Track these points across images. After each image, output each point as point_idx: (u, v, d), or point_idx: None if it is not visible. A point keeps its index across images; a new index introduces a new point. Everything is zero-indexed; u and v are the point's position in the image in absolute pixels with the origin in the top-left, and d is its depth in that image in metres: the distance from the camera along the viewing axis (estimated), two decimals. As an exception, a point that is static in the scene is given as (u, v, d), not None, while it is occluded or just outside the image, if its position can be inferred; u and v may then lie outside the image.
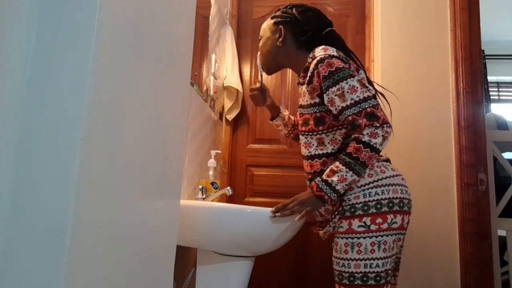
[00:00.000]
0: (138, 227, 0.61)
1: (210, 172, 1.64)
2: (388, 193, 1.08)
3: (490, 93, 3.83)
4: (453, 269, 1.69)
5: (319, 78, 1.11)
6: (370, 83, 1.22)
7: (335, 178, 1.05)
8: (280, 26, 1.27)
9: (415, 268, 1.71)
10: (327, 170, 1.08)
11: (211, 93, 1.80)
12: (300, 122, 1.23)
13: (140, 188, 0.61)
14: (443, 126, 1.81)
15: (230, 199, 2.09)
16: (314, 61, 1.13)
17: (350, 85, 1.07)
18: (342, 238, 1.08)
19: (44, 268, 0.43)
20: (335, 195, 1.05)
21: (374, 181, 1.09)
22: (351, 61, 1.17)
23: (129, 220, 0.57)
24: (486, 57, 3.09)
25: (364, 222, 1.06)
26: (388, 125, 1.05)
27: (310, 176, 1.21)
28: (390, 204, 1.07)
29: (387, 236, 1.06)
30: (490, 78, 4.00)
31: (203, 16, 1.70)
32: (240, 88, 2.06)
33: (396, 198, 1.08)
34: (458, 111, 1.78)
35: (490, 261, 1.65)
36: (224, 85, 2.04)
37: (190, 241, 1.16)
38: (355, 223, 1.06)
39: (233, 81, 2.02)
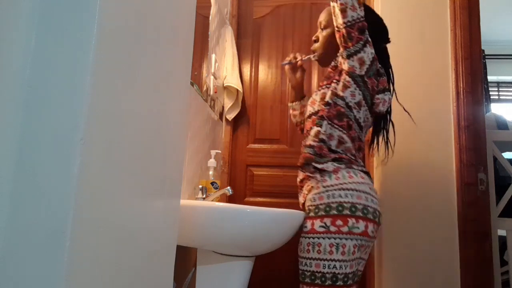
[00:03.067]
0: (138, 227, 0.61)
1: (210, 172, 1.64)
2: (351, 197, 1.09)
3: (490, 93, 3.82)
4: (453, 269, 1.69)
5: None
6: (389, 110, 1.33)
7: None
8: None
9: (415, 268, 1.71)
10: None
11: (211, 93, 1.80)
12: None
13: (140, 188, 0.61)
14: (443, 126, 1.81)
15: (230, 199, 2.09)
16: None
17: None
18: (305, 238, 1.11)
19: (44, 268, 0.43)
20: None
21: (339, 183, 1.11)
22: (383, 79, 1.24)
23: (129, 220, 0.57)
24: (486, 57, 3.09)
25: (325, 223, 1.08)
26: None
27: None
28: (353, 209, 1.07)
29: (346, 239, 1.06)
30: (490, 78, 4.00)
31: (203, 16, 1.70)
32: (240, 88, 2.06)
33: (360, 204, 1.08)
34: (458, 111, 1.78)
35: (490, 261, 1.65)
36: (224, 85, 2.04)
37: (190, 241, 1.16)
38: (317, 224, 1.09)
39: (233, 81, 2.02)
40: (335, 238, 1.06)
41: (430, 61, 1.87)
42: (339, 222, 1.06)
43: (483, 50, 2.19)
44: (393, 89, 1.30)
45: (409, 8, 1.94)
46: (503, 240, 1.78)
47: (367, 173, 1.20)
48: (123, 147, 0.55)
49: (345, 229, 1.06)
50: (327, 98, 1.19)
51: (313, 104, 1.25)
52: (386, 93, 1.23)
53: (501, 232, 1.77)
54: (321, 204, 1.10)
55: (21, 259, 0.44)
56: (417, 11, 1.92)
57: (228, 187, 1.45)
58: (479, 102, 1.76)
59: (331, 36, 1.29)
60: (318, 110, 1.21)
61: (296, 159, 1.31)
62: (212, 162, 1.65)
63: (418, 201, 1.75)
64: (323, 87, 1.24)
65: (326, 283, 1.04)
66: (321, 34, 1.34)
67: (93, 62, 0.47)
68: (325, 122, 1.17)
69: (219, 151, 1.80)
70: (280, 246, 1.21)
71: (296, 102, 1.48)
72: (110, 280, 0.53)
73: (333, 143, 1.16)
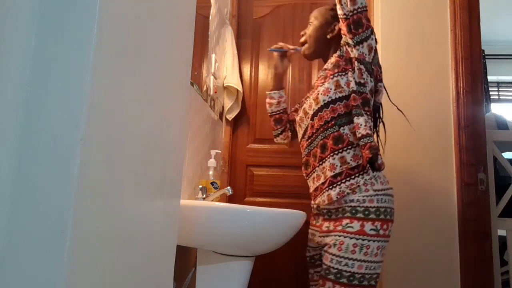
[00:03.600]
0: (138, 227, 0.61)
1: (210, 172, 1.64)
2: (389, 203, 1.16)
3: (490, 93, 3.82)
4: (453, 269, 1.69)
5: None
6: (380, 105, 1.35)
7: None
8: (336, 23, 1.33)
9: (415, 268, 1.71)
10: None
11: (211, 93, 1.80)
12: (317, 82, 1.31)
13: (140, 188, 0.61)
14: (443, 126, 1.81)
15: (230, 199, 2.09)
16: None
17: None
18: (351, 238, 1.10)
19: (44, 268, 0.43)
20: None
21: (385, 188, 1.16)
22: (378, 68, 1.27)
23: (129, 220, 0.57)
24: (486, 57, 3.09)
25: (376, 226, 1.10)
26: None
27: (333, 123, 1.21)
28: (391, 213, 1.15)
29: (386, 242, 1.13)
30: (490, 78, 4.00)
31: (203, 16, 1.70)
32: (240, 88, 2.06)
33: (393, 208, 1.17)
34: (458, 110, 1.78)
35: (490, 261, 1.65)
36: (224, 85, 2.04)
37: (190, 241, 1.16)
38: (368, 226, 1.10)
39: (233, 81, 2.02)
40: (381, 241, 1.10)
41: (430, 61, 1.87)
42: (385, 226, 1.12)
43: (483, 50, 2.19)
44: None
45: (409, 8, 1.94)
46: (503, 240, 1.78)
47: None
48: (123, 147, 0.55)
49: (387, 232, 1.13)
50: (352, 86, 1.19)
51: (327, 92, 1.21)
52: (381, 83, 1.27)
53: (501, 232, 1.77)
54: (371, 207, 1.12)
55: (21, 259, 0.44)
56: (417, 11, 1.92)
57: (228, 187, 1.45)
58: (479, 102, 1.76)
59: (321, 28, 1.34)
60: (341, 97, 1.20)
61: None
62: (212, 162, 1.65)
63: (418, 201, 1.75)
64: (335, 75, 1.22)
65: (363, 283, 1.07)
66: (311, 28, 1.37)
67: (93, 62, 0.47)
68: (362, 114, 1.18)
69: (219, 151, 1.80)
70: (280, 246, 1.20)
71: (275, 91, 1.49)
72: (110, 280, 0.53)
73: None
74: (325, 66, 1.32)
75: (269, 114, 1.53)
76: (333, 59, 1.28)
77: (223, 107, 2.12)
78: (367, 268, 1.08)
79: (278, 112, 1.50)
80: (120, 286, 0.55)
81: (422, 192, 1.77)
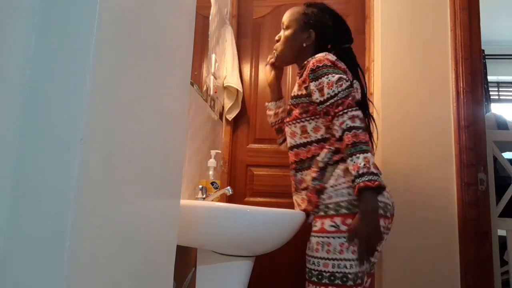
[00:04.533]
0: (138, 227, 0.61)
1: (210, 172, 1.64)
2: (354, 195, 1.09)
3: (490, 93, 3.82)
4: (453, 269, 1.69)
5: (307, 71, 1.19)
6: (365, 102, 1.29)
7: (361, 166, 1.03)
8: (311, 30, 1.31)
9: (415, 268, 1.71)
10: (352, 170, 1.05)
11: (211, 93, 1.80)
12: (285, 115, 1.30)
13: (140, 188, 0.61)
14: (443, 126, 1.81)
15: (230, 199, 2.09)
16: (311, 60, 1.21)
17: (329, 80, 1.13)
18: (314, 237, 1.12)
19: (44, 268, 0.43)
20: (379, 177, 1.04)
21: (347, 181, 1.11)
22: (348, 72, 1.23)
23: (129, 220, 0.57)
24: (486, 57, 3.09)
25: (335, 222, 1.08)
26: (354, 108, 1.10)
27: (294, 166, 1.25)
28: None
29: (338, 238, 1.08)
30: (490, 78, 4.00)
31: (203, 16, 1.70)
32: (240, 88, 2.06)
33: (381, 202, 1.08)
34: (458, 110, 1.78)
35: (490, 261, 1.65)
36: (224, 85, 2.04)
37: (190, 241, 1.16)
38: (327, 223, 1.09)
39: (233, 81, 2.02)
40: (345, 237, 1.06)
41: (430, 61, 1.87)
42: (349, 220, 1.07)
43: (483, 50, 2.19)
44: (365, 84, 1.33)
45: (409, 8, 1.93)
46: (503, 240, 1.78)
47: None
48: (123, 147, 0.55)
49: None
50: (323, 132, 1.20)
51: (293, 136, 1.25)
52: (354, 81, 1.24)
53: (501, 232, 1.76)
54: (330, 203, 1.11)
55: (21, 259, 0.44)
56: (417, 11, 1.92)
57: (228, 187, 1.45)
58: (479, 102, 1.76)
59: (291, 37, 1.33)
60: (305, 143, 1.22)
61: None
62: (212, 162, 1.65)
63: (418, 201, 1.75)
64: (302, 120, 1.22)
65: (335, 282, 1.06)
66: (283, 34, 1.36)
67: (93, 62, 0.47)
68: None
69: (219, 151, 1.80)
70: (280, 246, 1.21)
71: (272, 103, 1.49)
72: (110, 280, 0.53)
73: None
74: (298, 74, 1.30)
75: (271, 125, 1.54)
76: (296, 86, 1.25)
77: (223, 107, 2.12)
78: (335, 266, 1.05)
79: (277, 123, 1.50)
80: (120, 286, 0.55)
81: (422, 192, 1.77)
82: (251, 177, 2.18)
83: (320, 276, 1.07)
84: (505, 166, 1.80)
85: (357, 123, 1.08)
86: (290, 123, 1.25)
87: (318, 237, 1.10)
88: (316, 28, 1.31)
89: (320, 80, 1.15)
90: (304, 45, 1.31)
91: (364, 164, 1.03)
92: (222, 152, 2.15)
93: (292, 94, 1.26)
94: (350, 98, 1.11)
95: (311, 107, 1.20)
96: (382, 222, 1.08)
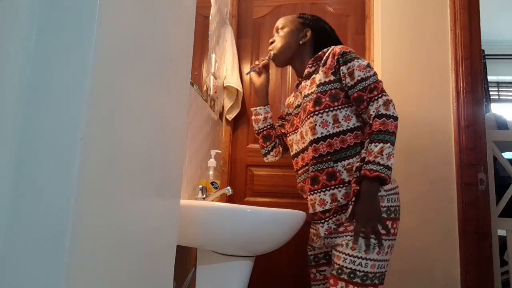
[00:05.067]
0: (138, 227, 0.61)
1: (210, 172, 1.64)
2: (398, 201, 1.16)
3: (490, 93, 3.82)
4: (453, 269, 1.69)
5: (334, 57, 1.20)
6: None
7: (384, 156, 1.06)
8: (308, 29, 1.34)
9: (415, 267, 1.71)
10: (368, 154, 1.08)
11: (211, 93, 1.80)
12: (309, 104, 1.23)
13: (140, 188, 0.61)
14: (443, 126, 1.81)
15: (230, 199, 2.09)
16: (330, 49, 1.24)
17: (360, 64, 1.16)
18: (362, 237, 1.08)
19: (44, 268, 0.43)
20: (390, 172, 1.07)
21: (393, 188, 1.16)
22: None
23: (129, 220, 0.57)
24: (486, 57, 3.09)
25: (387, 226, 1.10)
26: (386, 93, 1.13)
27: (327, 158, 1.17)
28: (399, 211, 1.15)
29: (395, 240, 1.13)
30: (490, 78, 4.00)
31: (203, 16, 1.70)
32: (240, 88, 2.06)
33: (399, 206, 1.16)
34: (458, 110, 1.78)
35: (490, 261, 1.65)
36: (224, 85, 2.04)
37: (190, 241, 1.16)
38: (379, 226, 1.09)
39: (233, 81, 2.02)
40: (391, 240, 1.10)
41: (430, 61, 1.87)
42: (394, 225, 1.12)
43: (483, 50, 2.19)
44: None
45: (409, 8, 1.94)
46: (503, 240, 1.78)
47: None
48: (123, 147, 0.55)
49: (396, 231, 1.12)
50: (354, 120, 1.20)
51: (326, 126, 1.19)
52: None
53: (501, 232, 1.76)
54: (383, 207, 1.11)
55: (21, 259, 0.44)
56: (417, 11, 1.92)
57: (228, 187, 1.45)
58: (479, 102, 1.76)
59: (288, 35, 1.34)
60: (338, 132, 1.18)
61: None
62: (212, 162, 1.65)
63: (418, 201, 1.75)
64: (335, 108, 1.19)
65: (374, 282, 1.07)
66: (278, 35, 1.37)
67: (93, 62, 0.47)
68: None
69: (219, 151, 1.80)
70: (280, 246, 1.20)
71: (260, 107, 1.46)
72: (110, 280, 0.53)
73: None
74: (306, 72, 1.29)
75: (256, 132, 1.48)
76: (321, 74, 1.23)
77: (223, 107, 2.12)
78: (379, 267, 1.08)
79: (265, 128, 1.46)
80: (120, 286, 0.55)
81: (422, 192, 1.77)
82: (251, 177, 2.18)
83: (365, 277, 1.06)
84: (505, 166, 1.80)
85: (391, 110, 1.10)
86: (321, 111, 1.19)
87: (368, 239, 1.08)
88: (312, 27, 1.34)
89: (350, 64, 1.16)
90: (301, 42, 1.33)
91: (377, 153, 1.06)
92: (222, 152, 2.15)
93: (318, 82, 1.22)
94: (382, 83, 1.14)
95: (342, 95, 1.19)
96: (394, 225, 1.13)
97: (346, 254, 1.09)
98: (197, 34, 1.52)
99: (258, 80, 1.47)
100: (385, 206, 1.11)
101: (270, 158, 1.50)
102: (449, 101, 1.82)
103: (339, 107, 1.19)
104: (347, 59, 1.17)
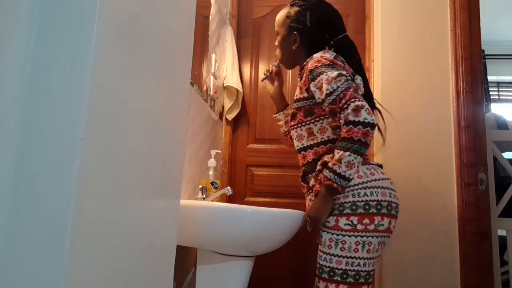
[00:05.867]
0: (138, 227, 0.61)
1: (210, 172, 1.64)
2: (377, 195, 1.09)
3: (490, 93, 3.82)
4: (453, 269, 1.69)
5: (307, 73, 1.18)
6: (369, 94, 1.30)
7: (342, 165, 1.04)
8: (295, 33, 1.31)
9: (415, 267, 1.71)
10: (332, 160, 1.07)
11: (211, 93, 1.80)
12: (289, 118, 1.28)
13: (140, 188, 0.61)
14: (443, 126, 1.81)
15: (230, 199, 2.09)
16: (309, 60, 1.20)
17: (328, 77, 1.10)
18: (327, 233, 1.09)
19: (44, 268, 0.43)
20: (344, 181, 1.05)
21: (363, 182, 1.10)
22: (347, 66, 1.22)
23: (129, 220, 0.57)
24: (486, 57, 3.09)
25: (351, 221, 1.07)
26: (357, 99, 1.06)
27: (303, 168, 1.24)
28: (379, 206, 1.08)
29: (372, 237, 1.07)
30: (490, 78, 4.00)
31: (203, 16, 1.70)
32: (240, 88, 2.06)
33: (385, 201, 1.09)
34: (458, 110, 1.78)
35: (490, 261, 1.65)
36: (224, 85, 2.04)
37: (190, 241, 1.16)
38: (342, 221, 1.07)
39: (233, 81, 2.02)
40: (361, 236, 1.06)
41: (430, 61, 1.87)
42: (366, 220, 1.06)
43: (483, 50, 2.19)
44: (364, 75, 1.29)
45: (409, 8, 1.94)
46: (503, 240, 1.78)
47: (381, 167, 1.21)
48: (123, 147, 0.55)
49: (371, 227, 1.06)
50: (329, 132, 1.20)
51: (300, 139, 1.24)
52: (356, 76, 1.24)
53: (501, 232, 1.76)
54: (346, 202, 1.08)
55: (21, 259, 0.44)
56: (417, 11, 1.92)
57: (228, 187, 1.45)
58: (479, 102, 1.76)
59: (282, 43, 1.35)
60: (311, 144, 1.21)
61: (296, 159, 1.32)
62: (212, 162, 1.65)
63: (418, 201, 1.75)
64: (307, 122, 1.21)
65: (347, 280, 1.05)
66: (278, 41, 1.38)
67: (93, 62, 0.47)
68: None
69: (219, 151, 1.80)
70: (280, 246, 1.21)
71: (280, 113, 1.50)
72: (110, 280, 0.53)
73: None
74: (299, 76, 1.30)
75: (284, 135, 1.54)
76: (298, 89, 1.24)
77: (223, 107, 2.12)
78: (348, 264, 1.05)
79: (290, 131, 1.48)
80: (120, 286, 0.55)
81: (422, 192, 1.77)
82: (251, 177, 2.18)
83: (332, 273, 1.06)
84: (505, 166, 1.80)
85: (361, 116, 1.03)
86: (296, 126, 1.24)
87: (332, 234, 1.08)
88: (297, 30, 1.30)
89: (318, 79, 1.13)
90: (294, 48, 1.31)
91: (336, 161, 1.05)
92: (222, 152, 2.15)
93: (295, 98, 1.25)
94: (351, 90, 1.07)
95: (316, 109, 1.19)
96: (393, 222, 1.12)
97: (319, 250, 1.12)
98: (197, 34, 1.52)
99: (272, 87, 1.49)
100: (349, 202, 1.08)
101: None
102: (449, 101, 1.82)
103: (312, 120, 1.20)
104: (314, 76, 1.14)
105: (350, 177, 1.05)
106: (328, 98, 1.09)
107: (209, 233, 1.11)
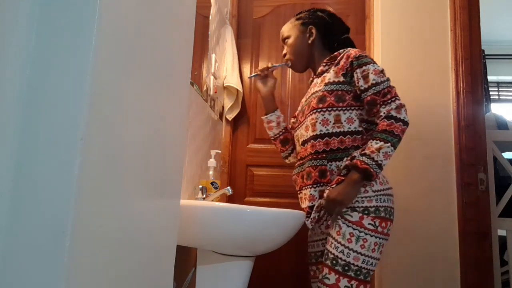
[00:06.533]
0: (138, 227, 0.61)
1: (210, 172, 1.64)
2: (389, 202, 1.17)
3: (490, 93, 3.82)
4: (453, 269, 1.69)
5: (348, 59, 1.20)
6: None
7: (380, 154, 1.08)
8: (311, 26, 1.34)
9: (415, 268, 1.71)
10: (366, 148, 1.10)
11: (211, 93, 1.80)
12: (314, 101, 1.24)
13: (140, 188, 0.61)
14: (443, 126, 1.81)
15: (230, 199, 2.09)
16: (346, 50, 1.24)
17: (375, 68, 1.16)
18: (348, 226, 1.10)
19: (44, 268, 0.43)
20: (379, 170, 1.09)
21: (384, 189, 1.16)
22: None
23: (129, 220, 0.57)
24: (486, 57, 3.09)
25: (374, 222, 1.11)
26: (398, 98, 1.14)
27: (323, 155, 1.19)
28: (390, 212, 1.16)
29: (385, 240, 1.13)
30: (490, 78, 4.00)
31: (203, 16, 1.70)
32: (240, 88, 2.06)
33: (392, 207, 1.17)
34: (458, 110, 1.78)
35: (490, 261, 1.65)
36: (224, 85, 2.04)
37: (190, 241, 1.16)
38: (367, 220, 1.10)
39: (233, 81, 2.02)
40: (380, 238, 1.11)
41: (430, 61, 1.87)
42: (383, 224, 1.12)
43: (483, 50, 2.19)
44: None
45: (409, 8, 1.94)
46: (503, 240, 1.78)
47: None
48: (123, 147, 0.55)
49: (386, 230, 1.13)
50: (356, 124, 1.20)
51: (326, 124, 1.20)
52: None
53: (501, 232, 1.76)
54: (370, 206, 1.12)
55: (21, 259, 0.44)
56: (417, 11, 1.92)
57: (228, 187, 1.45)
58: (479, 102, 1.76)
59: (295, 42, 1.36)
60: (337, 132, 1.19)
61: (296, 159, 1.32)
62: (212, 162, 1.65)
63: (418, 201, 1.75)
64: (338, 108, 1.20)
65: (359, 277, 1.08)
66: (287, 46, 1.39)
67: (93, 62, 0.47)
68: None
69: (219, 151, 1.80)
70: (280, 246, 1.21)
71: (271, 114, 1.47)
72: (110, 280, 0.53)
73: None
74: (319, 70, 1.31)
75: (272, 139, 1.50)
76: (332, 73, 1.24)
77: (223, 107, 2.12)
78: (364, 262, 1.08)
79: (281, 133, 1.47)
80: (120, 286, 0.55)
81: (422, 192, 1.77)
82: (251, 177, 2.18)
83: (347, 267, 1.07)
84: (505, 166, 1.80)
85: (402, 114, 1.11)
86: (324, 109, 1.20)
87: (354, 229, 1.10)
88: (314, 23, 1.35)
89: (365, 67, 1.17)
90: (310, 41, 1.34)
91: (375, 149, 1.08)
92: (222, 152, 2.15)
93: (327, 81, 1.23)
94: (395, 88, 1.15)
95: (348, 96, 1.19)
96: (391, 226, 1.16)
97: (333, 238, 1.12)
98: (197, 34, 1.52)
99: (263, 87, 1.47)
100: (373, 206, 1.12)
101: (291, 160, 1.51)
102: (449, 101, 1.82)
103: (343, 108, 1.19)
104: (362, 62, 1.18)
105: (383, 167, 1.10)
106: (373, 88, 1.14)
107: (209, 233, 1.11)
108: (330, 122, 1.19)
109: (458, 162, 1.74)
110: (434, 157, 1.79)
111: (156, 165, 0.66)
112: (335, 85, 1.21)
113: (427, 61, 1.87)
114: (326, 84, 1.23)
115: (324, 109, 1.20)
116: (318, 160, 1.20)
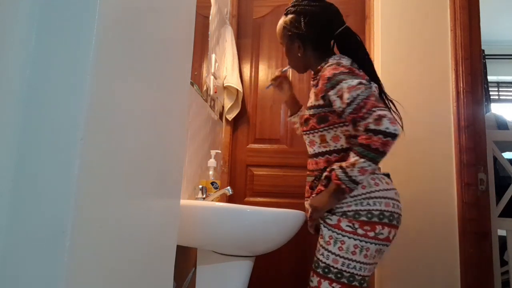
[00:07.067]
0: (138, 227, 0.61)
1: (210, 172, 1.64)
2: (380, 205, 1.10)
3: (490, 93, 3.82)
4: (453, 269, 1.69)
5: (323, 82, 1.15)
6: (382, 96, 1.28)
7: (355, 169, 1.04)
8: (296, 41, 1.30)
9: (415, 268, 1.71)
10: (347, 161, 1.07)
11: (211, 93, 1.80)
12: (302, 122, 1.27)
13: (140, 188, 0.61)
14: (443, 126, 1.81)
15: (230, 199, 2.09)
16: (325, 66, 1.19)
17: (348, 85, 1.08)
18: (328, 229, 1.10)
19: (44, 268, 0.43)
20: (353, 185, 1.05)
21: (366, 192, 1.10)
22: (362, 72, 1.21)
23: (129, 220, 0.57)
24: (486, 57, 3.09)
25: (353, 224, 1.08)
26: (379, 108, 1.04)
27: (315, 173, 1.22)
28: (381, 216, 1.09)
29: (371, 243, 1.07)
30: (490, 78, 4.00)
31: (203, 16, 1.70)
32: (240, 88, 2.06)
33: (387, 211, 1.10)
34: (458, 111, 1.78)
35: (490, 261, 1.65)
36: (224, 85, 2.04)
37: (190, 241, 1.16)
38: (344, 222, 1.08)
39: (233, 81, 2.02)
40: (360, 241, 1.07)
41: (430, 61, 1.87)
42: (367, 227, 1.08)
43: (483, 50, 2.19)
44: (372, 68, 1.27)
45: (409, 8, 1.94)
46: (503, 240, 1.78)
47: (388, 176, 1.20)
48: (123, 147, 0.55)
49: (371, 234, 1.07)
50: (343, 141, 1.17)
51: (312, 145, 1.23)
52: (371, 82, 1.21)
53: (501, 232, 1.76)
54: (349, 211, 1.09)
55: (21, 259, 0.44)
56: (417, 11, 1.92)
57: (228, 187, 1.45)
58: (479, 102, 1.76)
59: (288, 52, 1.34)
60: (326, 151, 1.20)
61: (296, 159, 1.32)
62: (212, 162, 1.65)
63: (418, 201, 1.75)
64: (321, 129, 1.20)
65: (341, 281, 1.06)
66: (284, 51, 1.38)
67: (93, 62, 0.47)
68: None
69: (219, 151, 1.80)
70: (280, 246, 1.21)
71: (294, 115, 1.47)
72: (110, 279, 0.53)
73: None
74: (311, 82, 1.30)
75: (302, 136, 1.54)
76: (313, 97, 1.22)
77: (223, 107, 2.12)
78: (344, 264, 1.06)
79: None
80: (120, 286, 0.55)
81: (422, 192, 1.77)
82: (251, 177, 2.18)
83: (326, 270, 1.07)
84: (505, 166, 1.80)
85: (383, 125, 1.01)
86: (308, 132, 1.23)
87: (332, 231, 1.09)
88: (297, 37, 1.29)
89: (338, 87, 1.10)
90: (299, 55, 1.30)
91: (350, 164, 1.04)
92: (222, 152, 2.15)
93: (309, 105, 1.24)
94: (372, 98, 1.06)
95: (330, 117, 1.17)
96: (393, 232, 1.12)
97: (318, 243, 1.12)
98: (197, 34, 1.52)
99: (281, 92, 1.48)
100: (352, 210, 1.09)
101: None
102: (449, 101, 1.82)
103: (325, 128, 1.18)
104: (334, 82, 1.11)
105: (360, 182, 1.05)
106: (349, 106, 1.07)
107: (209, 233, 1.11)
108: (316, 143, 1.21)
109: (458, 162, 1.74)
110: (434, 157, 1.79)
111: (156, 165, 0.66)
112: (316, 109, 1.20)
113: (427, 61, 1.87)
114: (308, 108, 1.24)
115: (309, 132, 1.23)
116: (311, 177, 1.24)
